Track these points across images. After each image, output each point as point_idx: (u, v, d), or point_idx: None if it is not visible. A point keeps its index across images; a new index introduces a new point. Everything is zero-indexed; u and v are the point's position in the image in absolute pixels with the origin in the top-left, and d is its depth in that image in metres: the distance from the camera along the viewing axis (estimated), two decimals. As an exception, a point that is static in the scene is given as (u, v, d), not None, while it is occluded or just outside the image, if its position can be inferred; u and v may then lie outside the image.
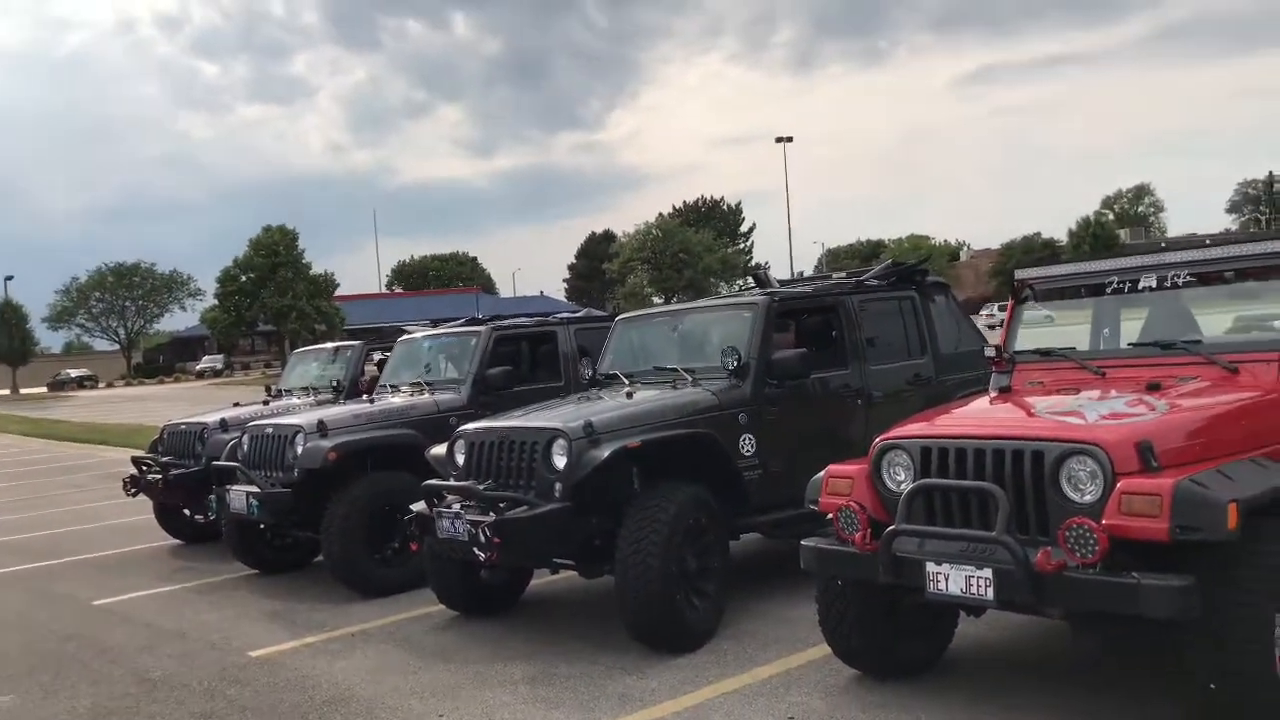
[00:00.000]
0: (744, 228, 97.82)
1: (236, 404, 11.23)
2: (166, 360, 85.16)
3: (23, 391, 69.51)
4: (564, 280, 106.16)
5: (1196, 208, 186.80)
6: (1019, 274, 5.93)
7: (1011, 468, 4.19)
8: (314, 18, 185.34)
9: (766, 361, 6.62)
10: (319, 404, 10.14)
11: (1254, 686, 3.75)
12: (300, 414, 8.85)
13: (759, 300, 6.93)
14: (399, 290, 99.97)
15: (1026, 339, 5.65)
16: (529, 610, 7.03)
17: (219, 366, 73.16)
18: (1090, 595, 3.83)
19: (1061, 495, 4.06)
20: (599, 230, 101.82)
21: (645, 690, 5.29)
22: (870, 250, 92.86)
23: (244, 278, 63.56)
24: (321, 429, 7.97)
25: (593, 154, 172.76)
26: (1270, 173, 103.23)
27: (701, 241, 75.38)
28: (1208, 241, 5.47)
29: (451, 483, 6.36)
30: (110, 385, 70.91)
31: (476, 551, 5.81)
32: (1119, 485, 3.86)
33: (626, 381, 7.03)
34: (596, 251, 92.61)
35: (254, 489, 8.08)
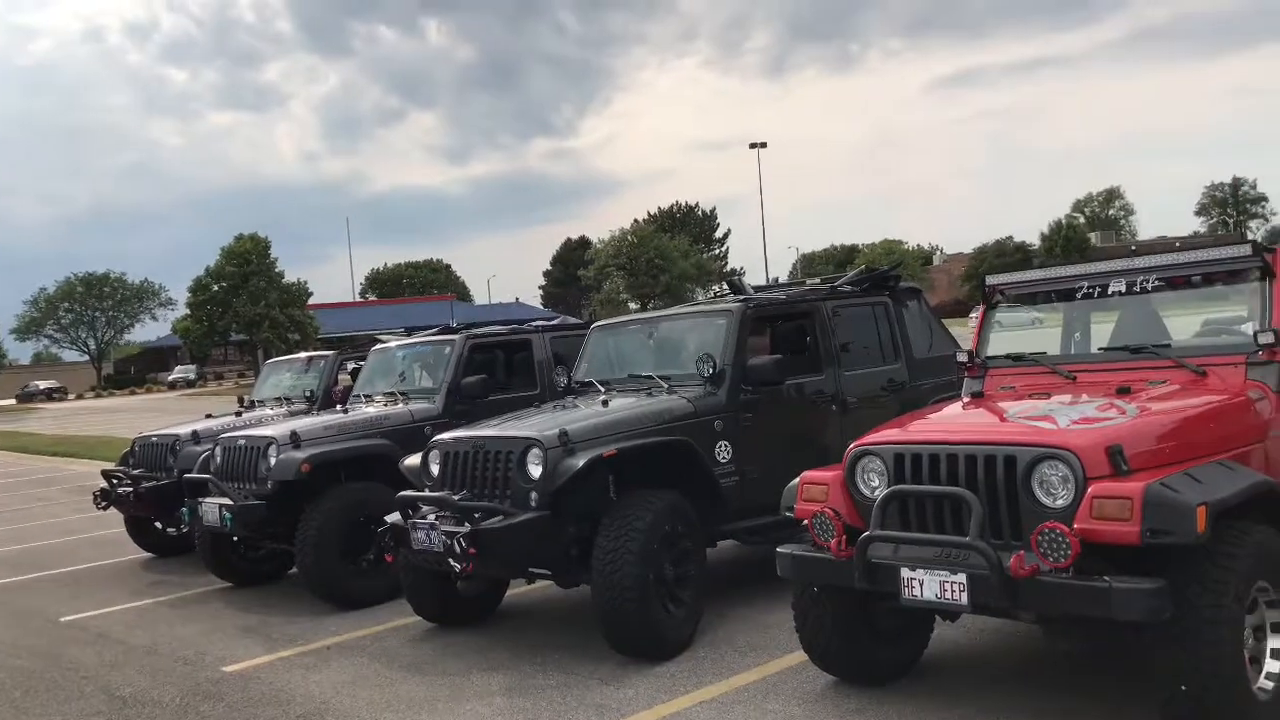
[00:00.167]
0: (719, 233, 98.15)
1: (209, 415, 11.14)
2: (138, 371, 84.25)
3: (-10, 404, 68.65)
4: (540, 287, 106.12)
5: (1166, 210, 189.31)
6: (990, 280, 5.97)
7: (984, 473, 4.22)
8: (286, 25, 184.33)
9: (742, 368, 6.64)
10: (292, 415, 10.05)
11: (1225, 687, 3.78)
12: (273, 425, 8.79)
13: (734, 307, 6.94)
14: (373, 298, 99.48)
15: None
16: (506, 621, 7.00)
17: (191, 377, 72.45)
18: (1063, 599, 3.86)
19: (1034, 500, 4.09)
20: (574, 237, 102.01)
21: (623, 700, 5.27)
22: (844, 255, 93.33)
23: (216, 287, 62.96)
24: (295, 440, 7.92)
25: (567, 160, 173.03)
26: (1235, 177, 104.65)
27: (677, 247, 75.44)
28: (1177, 245, 5.55)
29: (426, 493, 6.33)
30: (80, 397, 70.08)
31: (452, 562, 5.78)
32: (1090, 489, 3.89)
33: (602, 389, 7.02)
34: (572, 258, 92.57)
35: (227, 501, 8.02)
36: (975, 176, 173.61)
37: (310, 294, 68.01)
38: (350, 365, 11.28)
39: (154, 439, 10.45)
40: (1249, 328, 4.88)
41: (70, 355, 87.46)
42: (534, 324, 10.07)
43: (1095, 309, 5.59)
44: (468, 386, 8.56)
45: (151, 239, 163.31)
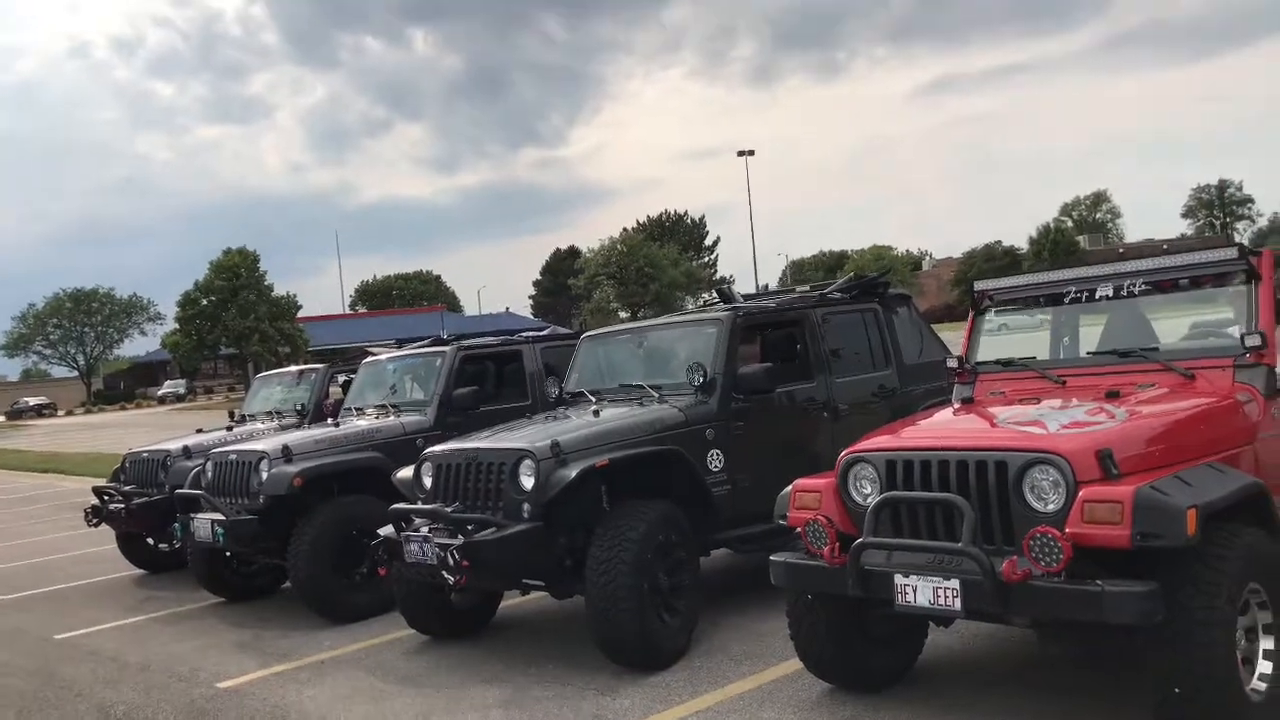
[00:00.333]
0: (708, 241, 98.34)
1: (199, 430, 11.11)
2: (127, 386, 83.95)
3: (-21, 421, 68.32)
4: (530, 297, 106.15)
5: (1153, 213, 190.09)
6: (978, 285, 6.00)
7: (975, 479, 4.23)
8: (272, 37, 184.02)
9: (732, 377, 6.65)
10: (283, 429, 10.05)
11: (1218, 689, 3.80)
12: (264, 439, 8.77)
13: (724, 316, 6.96)
14: (363, 310, 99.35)
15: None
16: (500, 632, 6.99)
17: (181, 391, 72.24)
18: (1055, 603, 3.87)
19: (1025, 505, 4.11)
20: (564, 246, 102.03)
21: (619, 710, 5.27)
22: (834, 261, 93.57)
23: (205, 301, 62.81)
24: (286, 454, 7.90)
25: (556, 170, 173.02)
26: (1221, 179, 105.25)
27: (666, 256, 75.62)
28: (1164, 248, 5.59)
29: (419, 506, 6.32)
30: (70, 413, 69.81)
31: (446, 575, 5.77)
32: (1081, 494, 3.91)
33: (593, 399, 7.03)
34: (562, 267, 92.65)
35: (219, 516, 8.00)
36: (963, 181, 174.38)
37: (300, 307, 67.94)
38: (341, 378, 11.26)
39: (145, 454, 10.41)
40: (1236, 330, 4.91)
41: (59, 371, 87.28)
42: (525, 334, 10.09)
43: (1084, 313, 5.62)
44: (459, 398, 8.56)
45: (140, 254, 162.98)
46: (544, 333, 10.41)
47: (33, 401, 74.12)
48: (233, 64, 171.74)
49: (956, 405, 5.37)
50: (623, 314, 67.80)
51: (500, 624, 7.13)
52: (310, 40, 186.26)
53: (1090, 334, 5.60)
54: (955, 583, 4.09)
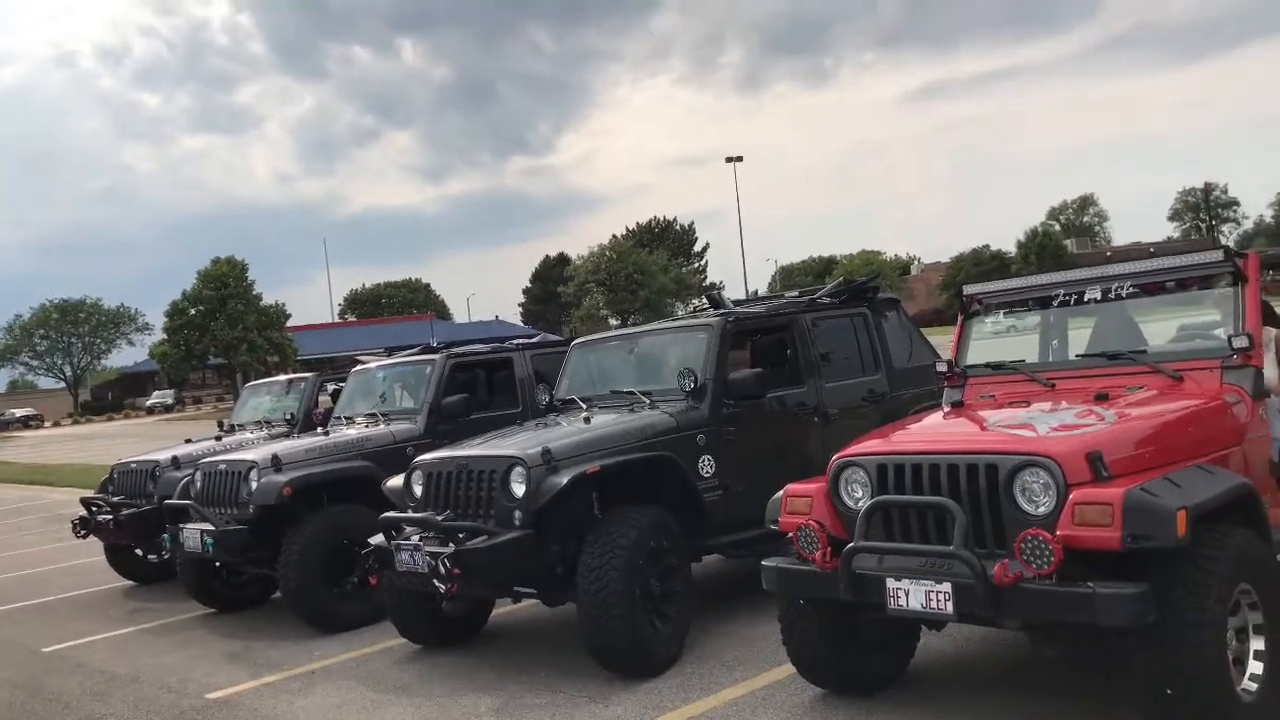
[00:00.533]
0: (697, 247, 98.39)
1: (188, 440, 11.06)
2: (115, 397, 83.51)
3: (-34, 433, 67.87)
4: (519, 304, 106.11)
5: (1140, 216, 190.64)
6: (967, 289, 6.02)
7: (966, 482, 4.24)
8: (259, 47, 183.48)
9: (723, 382, 6.65)
10: (273, 438, 10.00)
11: (1209, 689, 3.81)
12: (254, 449, 8.73)
13: (714, 321, 6.97)
14: (352, 319, 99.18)
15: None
16: (492, 641, 6.97)
17: (169, 402, 71.89)
18: (1047, 606, 3.88)
19: (1016, 508, 4.11)
20: (553, 254, 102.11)
21: (611, 717, 5.26)
22: (823, 267, 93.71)
23: (193, 311, 62.62)
24: (276, 464, 7.88)
25: (545, 178, 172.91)
26: (1206, 182, 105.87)
27: (655, 262, 75.66)
28: (1151, 250, 5.61)
29: (410, 514, 6.30)
30: (57, 424, 69.40)
31: (437, 583, 5.75)
32: (1071, 496, 3.92)
33: (584, 406, 7.02)
34: (551, 275, 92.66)
35: (208, 527, 7.97)
36: (951, 186, 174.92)
37: (288, 316, 67.81)
38: (330, 387, 11.24)
39: (133, 465, 10.36)
40: (1223, 332, 4.94)
41: (46, 382, 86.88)
42: (515, 342, 10.07)
43: (1072, 316, 5.64)
44: (449, 406, 8.54)
45: (127, 264, 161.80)
46: (534, 340, 10.40)
47: (19, 413, 73.70)
48: (220, 74, 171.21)
49: (946, 409, 5.38)
50: (613, 321, 67.81)
51: (492, 632, 7.11)
52: (298, 50, 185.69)
53: (1079, 337, 5.62)
54: (947, 586, 4.09)
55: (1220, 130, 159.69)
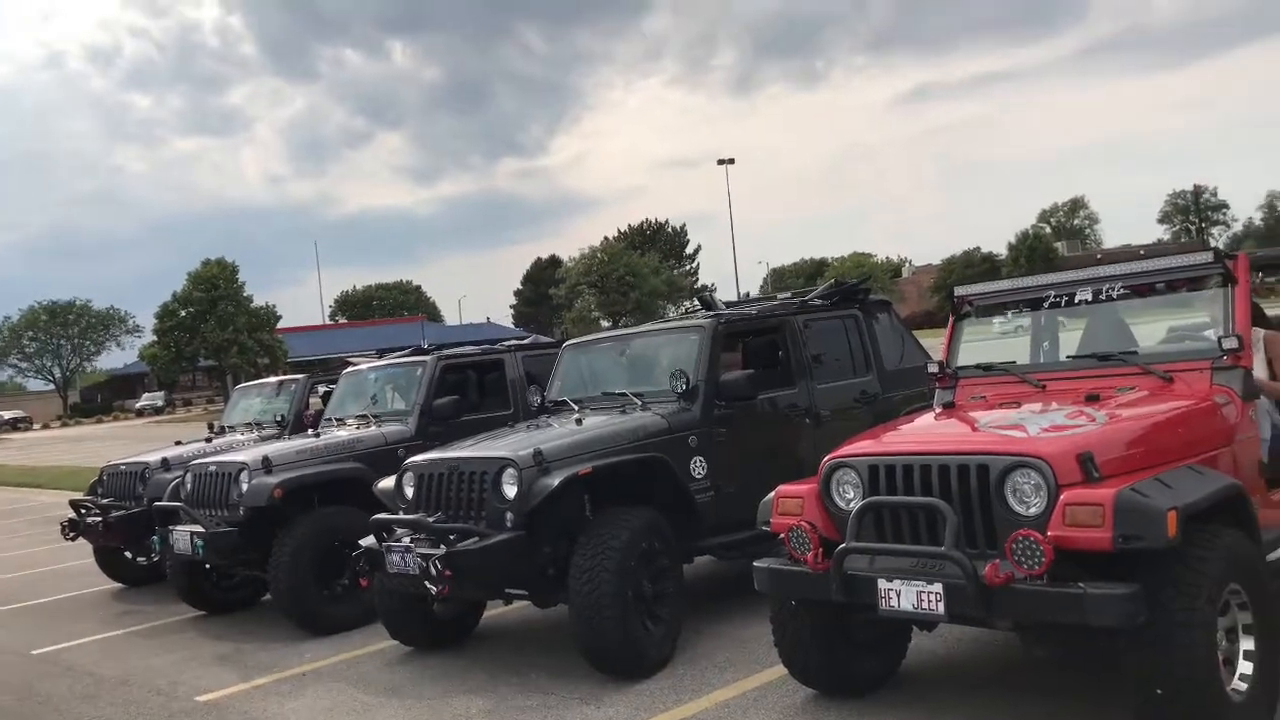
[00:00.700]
0: (689, 249, 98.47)
1: (178, 442, 11.02)
2: (105, 399, 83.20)
3: (-46, 435, 67.54)
4: (511, 306, 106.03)
5: (1130, 219, 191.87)
6: (958, 291, 6.03)
7: (958, 483, 4.24)
8: (250, 49, 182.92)
9: (715, 384, 6.65)
10: (263, 440, 9.98)
11: (1199, 690, 3.81)
12: (244, 451, 8.71)
13: (705, 323, 6.97)
14: (343, 321, 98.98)
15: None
16: (483, 643, 6.96)
17: (159, 404, 71.63)
18: (1038, 606, 3.88)
19: (1007, 508, 4.12)
20: (545, 256, 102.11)
21: (602, 719, 5.25)
22: (814, 269, 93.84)
23: (183, 313, 62.37)
24: (266, 465, 7.85)
25: (537, 179, 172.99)
26: (1196, 185, 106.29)
27: (647, 264, 75.64)
28: (1141, 252, 5.63)
29: (401, 516, 6.29)
30: (46, 426, 69.08)
31: (428, 585, 5.74)
32: (1062, 497, 3.92)
33: (576, 408, 7.02)
34: (543, 277, 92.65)
35: (198, 529, 7.93)
36: (942, 188, 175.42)
37: (279, 318, 67.57)
38: (321, 388, 11.20)
39: (123, 467, 10.31)
40: (1213, 334, 4.95)
41: (35, 384, 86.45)
42: (506, 343, 10.06)
43: (1063, 317, 5.65)
44: (440, 408, 8.52)
45: (117, 266, 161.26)
46: (525, 341, 10.39)
47: (7, 415, 73.32)
48: (211, 75, 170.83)
49: (938, 410, 5.40)
50: (604, 323, 67.77)
51: (483, 634, 7.10)
52: (289, 52, 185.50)
53: (1070, 338, 5.64)
54: (938, 587, 4.10)
55: (1210, 133, 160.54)
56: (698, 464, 6.52)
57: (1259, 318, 5.55)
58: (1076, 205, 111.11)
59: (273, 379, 12.31)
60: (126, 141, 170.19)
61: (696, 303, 8.49)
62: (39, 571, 12.24)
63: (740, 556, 6.34)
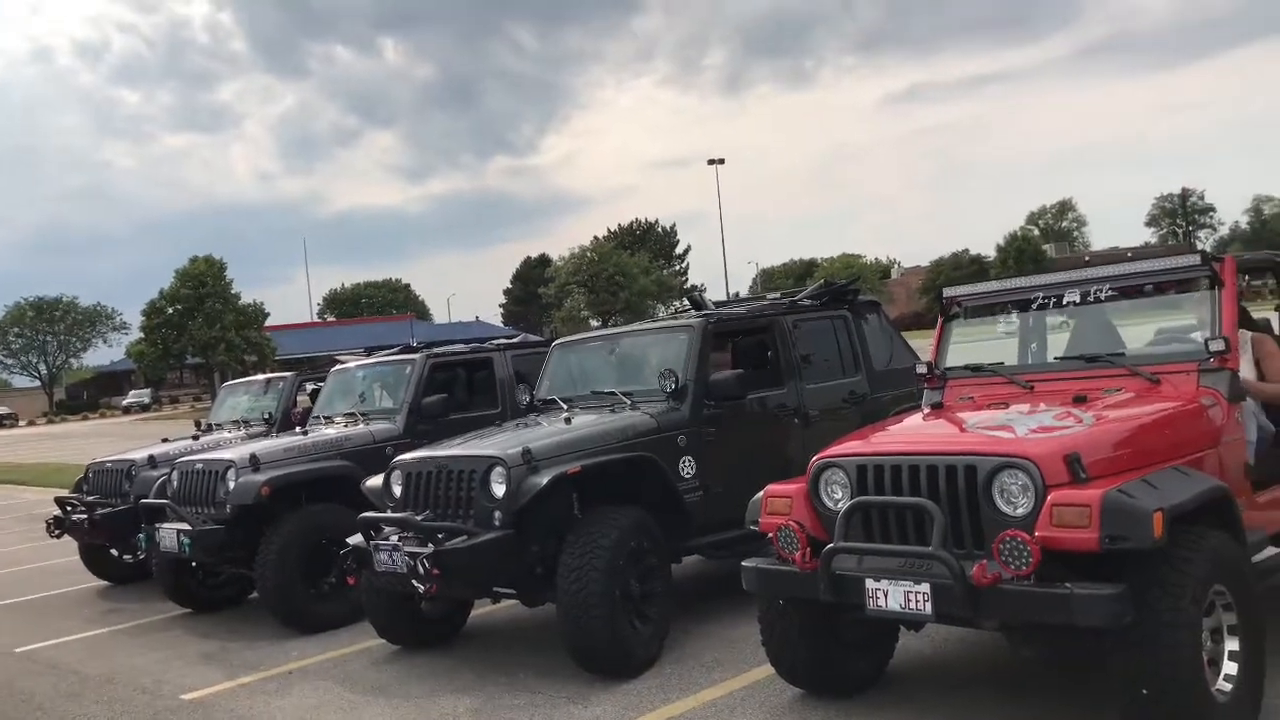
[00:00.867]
0: (679, 249, 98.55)
1: (165, 439, 10.97)
2: (91, 396, 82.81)
3: (-61, 432, 67.11)
4: (500, 305, 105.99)
5: (1118, 221, 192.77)
6: (947, 292, 6.04)
7: (945, 483, 4.25)
8: (240, 45, 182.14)
9: (704, 383, 6.65)
10: (250, 437, 9.95)
11: (1184, 690, 3.83)
12: (231, 448, 8.67)
13: (695, 322, 6.97)
14: (331, 319, 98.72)
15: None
16: (471, 641, 6.95)
17: (146, 401, 71.37)
18: (1025, 606, 3.89)
19: (995, 509, 4.13)
20: (534, 254, 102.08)
21: (590, 718, 5.25)
22: (804, 269, 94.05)
23: (170, 310, 62.18)
24: (254, 463, 7.82)
25: (527, 178, 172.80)
26: (1184, 188, 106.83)
27: (637, 264, 75.68)
28: (1129, 255, 5.64)
29: (389, 514, 6.27)
30: (31, 423, 68.68)
31: (416, 584, 5.73)
32: (1050, 497, 3.94)
33: (565, 406, 7.01)
34: (532, 276, 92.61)
35: (185, 526, 7.90)
36: (931, 190, 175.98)
37: (267, 315, 67.41)
38: (309, 386, 11.17)
39: (109, 464, 10.26)
40: (1200, 336, 4.97)
41: (21, 381, 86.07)
42: (495, 342, 10.05)
43: (1051, 319, 5.67)
44: (429, 406, 8.51)
45: (104, 262, 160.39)
46: (515, 340, 10.38)
47: (-7, 412, 72.97)
48: (200, 72, 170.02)
49: (926, 410, 5.41)
50: (594, 322, 67.75)
51: (471, 633, 7.09)
52: (279, 49, 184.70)
53: (1058, 339, 5.66)
54: (926, 587, 4.11)
55: (1197, 137, 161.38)
56: (686, 463, 6.52)
57: (1245, 320, 5.58)
58: (1065, 207, 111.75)
59: (260, 377, 12.27)
60: (115, 137, 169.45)
61: (686, 302, 8.49)
62: (24, 569, 12.17)
63: (729, 556, 6.35)
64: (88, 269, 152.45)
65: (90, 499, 10.06)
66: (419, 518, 6.01)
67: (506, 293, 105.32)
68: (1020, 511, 4.05)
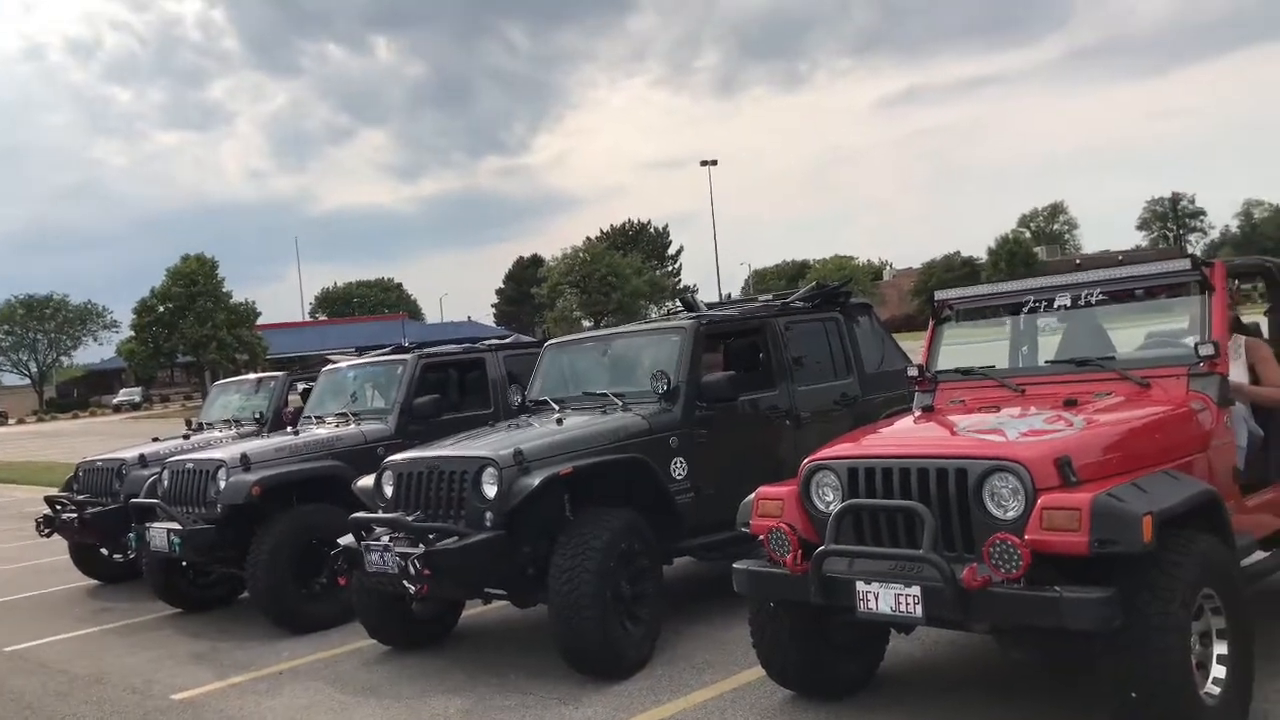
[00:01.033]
0: (671, 250, 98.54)
1: (156, 439, 10.94)
2: (81, 394, 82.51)
3: (-72, 429, 66.80)
4: (492, 305, 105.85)
5: (1109, 225, 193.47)
6: (939, 295, 6.06)
7: (936, 486, 4.26)
8: (232, 43, 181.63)
9: (696, 385, 6.66)
10: (241, 437, 9.91)
11: (1173, 693, 3.85)
12: (222, 448, 8.65)
13: (687, 324, 6.98)
14: (323, 318, 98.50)
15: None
16: (462, 642, 6.94)
17: (137, 400, 71.11)
18: (1015, 609, 3.91)
19: (985, 512, 4.14)
20: (527, 254, 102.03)
21: (581, 719, 5.25)
22: (796, 271, 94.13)
23: (161, 308, 62.03)
24: (245, 463, 7.81)
25: (519, 178, 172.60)
26: (1174, 192, 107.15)
27: (630, 264, 75.70)
28: (1120, 259, 5.66)
29: (380, 515, 6.27)
30: (21, 421, 68.40)
31: (407, 584, 5.72)
32: (1040, 501, 3.95)
33: (557, 407, 7.01)
34: (525, 276, 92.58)
35: (175, 526, 7.88)
36: (923, 192, 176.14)
37: (259, 314, 67.29)
38: (300, 386, 11.15)
39: (99, 463, 10.23)
40: (1190, 340, 4.99)
41: (11, 379, 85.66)
42: (487, 342, 10.04)
43: (1042, 322, 5.69)
44: (420, 406, 8.50)
45: (95, 260, 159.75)
46: (507, 341, 10.37)
47: (-18, 410, 72.66)
48: (192, 69, 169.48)
49: (917, 413, 5.42)
50: (586, 323, 67.73)
51: (462, 633, 7.08)
52: (271, 46, 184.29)
53: (1049, 343, 5.68)
54: (916, 589, 4.12)
55: (1188, 141, 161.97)
56: (678, 465, 6.53)
57: (1238, 324, 5.60)
58: (1056, 210, 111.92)
59: (252, 376, 12.25)
60: (107, 135, 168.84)
61: (678, 304, 8.50)
62: (13, 568, 12.12)
63: (720, 558, 6.35)
64: (79, 267, 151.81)
65: (80, 498, 10.03)
66: (410, 518, 6.00)
67: (499, 292, 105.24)
68: (1010, 515, 4.06)
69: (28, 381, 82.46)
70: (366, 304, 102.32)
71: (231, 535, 7.70)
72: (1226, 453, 4.80)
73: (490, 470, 5.85)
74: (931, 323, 6.00)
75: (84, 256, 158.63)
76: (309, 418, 9.29)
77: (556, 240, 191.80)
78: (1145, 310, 5.43)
